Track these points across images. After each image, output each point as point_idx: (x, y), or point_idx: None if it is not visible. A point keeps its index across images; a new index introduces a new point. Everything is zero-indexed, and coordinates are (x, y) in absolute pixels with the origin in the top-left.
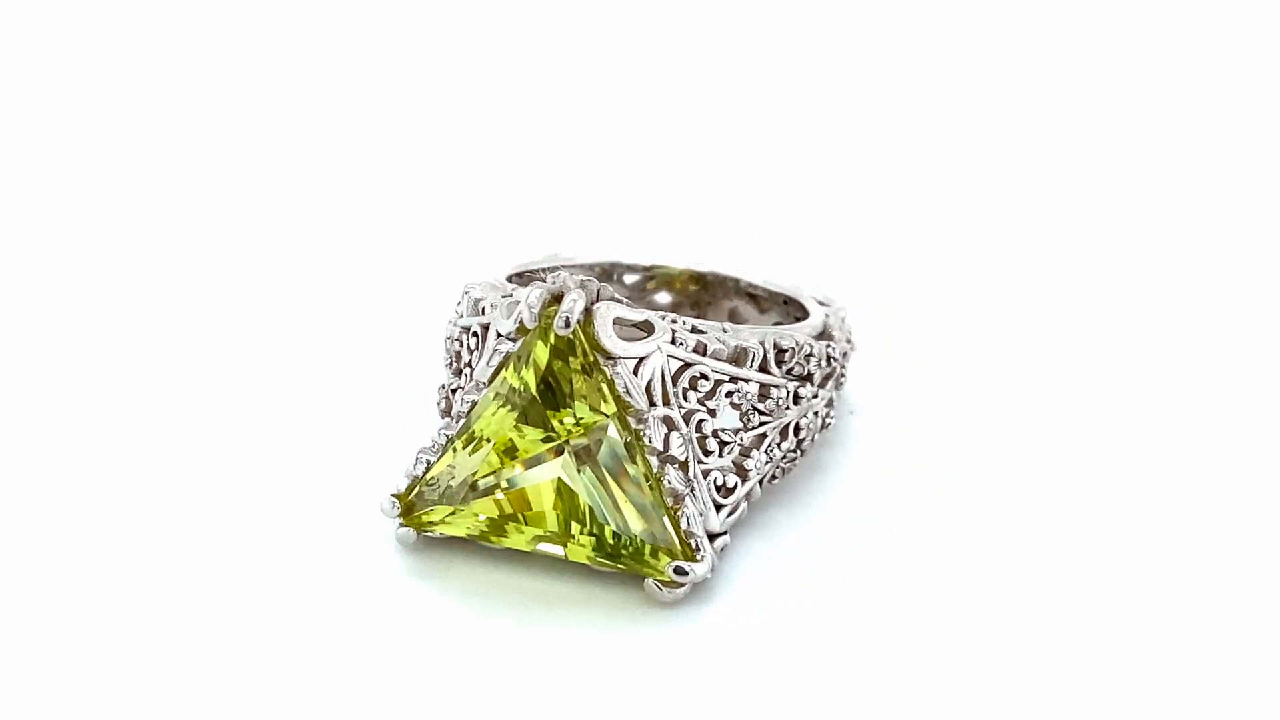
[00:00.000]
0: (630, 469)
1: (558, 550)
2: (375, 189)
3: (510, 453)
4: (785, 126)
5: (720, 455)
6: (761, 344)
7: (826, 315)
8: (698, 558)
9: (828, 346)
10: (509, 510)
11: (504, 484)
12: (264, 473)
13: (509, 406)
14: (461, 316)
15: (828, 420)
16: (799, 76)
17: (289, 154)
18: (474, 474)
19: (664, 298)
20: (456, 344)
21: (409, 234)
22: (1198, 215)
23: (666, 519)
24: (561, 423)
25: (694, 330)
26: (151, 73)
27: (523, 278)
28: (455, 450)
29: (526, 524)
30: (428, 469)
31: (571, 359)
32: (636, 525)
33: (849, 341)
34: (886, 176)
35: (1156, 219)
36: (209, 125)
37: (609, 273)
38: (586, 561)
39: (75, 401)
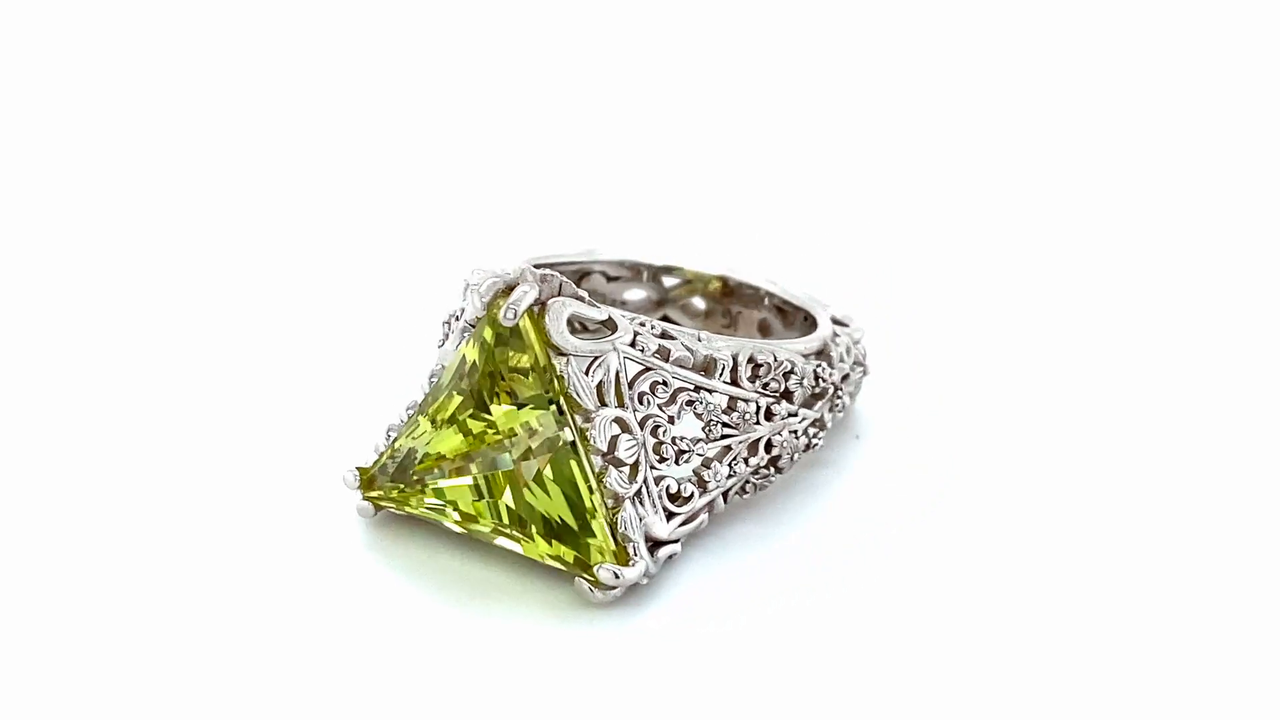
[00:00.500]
0: (567, 468)
1: (501, 542)
2: (432, 188)
3: (452, 441)
4: (806, 138)
5: (676, 463)
6: (734, 356)
7: (835, 335)
8: (630, 562)
9: (818, 366)
10: (446, 499)
11: (441, 472)
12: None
13: (457, 393)
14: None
15: (814, 441)
16: (831, 93)
17: (327, 149)
18: (418, 459)
19: (698, 303)
20: (445, 326)
21: (465, 231)
22: (1196, 218)
23: (603, 520)
24: (501, 414)
25: (662, 335)
26: (174, 64)
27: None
28: (414, 429)
29: (460, 513)
30: (391, 444)
31: (515, 351)
32: (569, 523)
33: (858, 365)
34: (891, 180)
35: (1156, 220)
36: (223, 117)
37: (639, 272)
38: (525, 553)
39: (71, 372)
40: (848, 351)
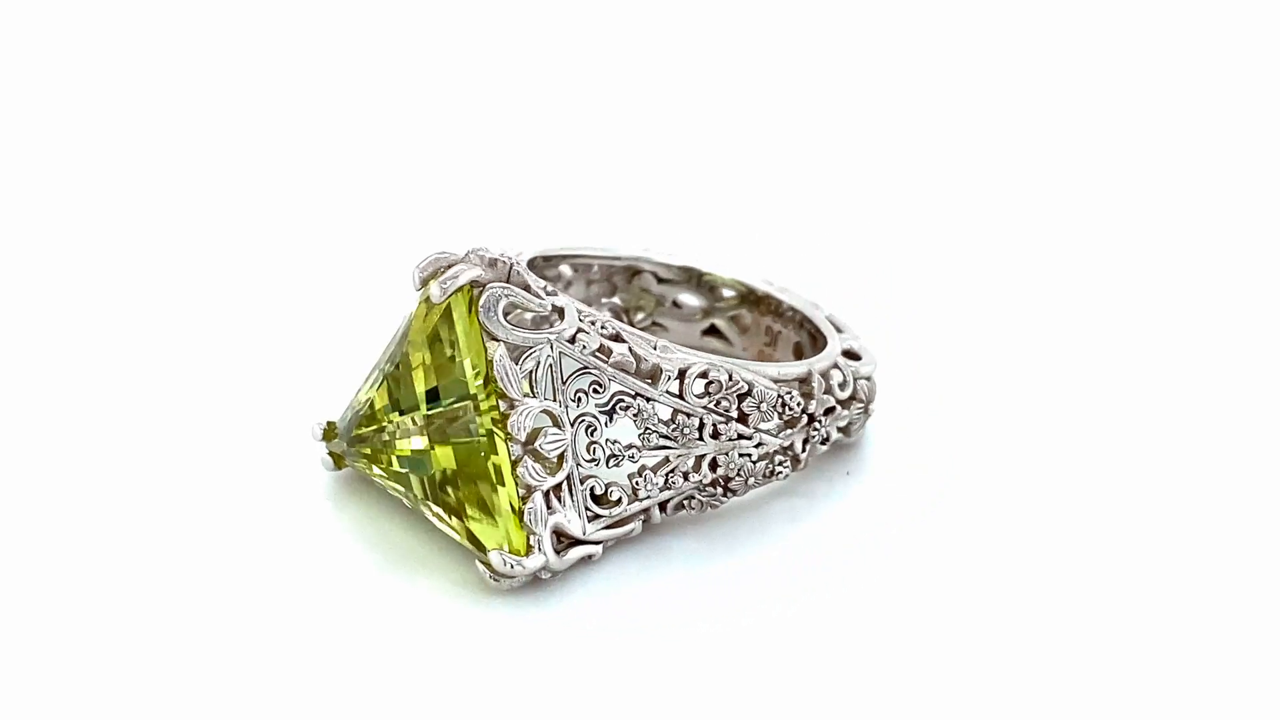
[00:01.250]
0: (478, 453)
1: (425, 513)
2: (446, 182)
3: (383, 411)
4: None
5: (606, 465)
6: (683, 369)
7: (831, 367)
8: (530, 553)
9: (785, 393)
10: (376, 468)
11: (373, 439)
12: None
13: (388, 361)
14: None
15: (778, 469)
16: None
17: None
18: (356, 423)
19: (746, 316)
20: None
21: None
22: (1195, 217)
23: (509, 509)
24: (422, 391)
25: (613, 336)
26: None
27: (549, 261)
28: (366, 389)
29: (390, 476)
30: (355, 395)
31: (446, 329)
32: (476, 506)
33: (857, 402)
34: (887, 177)
35: (1154, 221)
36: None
37: (691, 277)
38: (440, 527)
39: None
40: (842, 385)
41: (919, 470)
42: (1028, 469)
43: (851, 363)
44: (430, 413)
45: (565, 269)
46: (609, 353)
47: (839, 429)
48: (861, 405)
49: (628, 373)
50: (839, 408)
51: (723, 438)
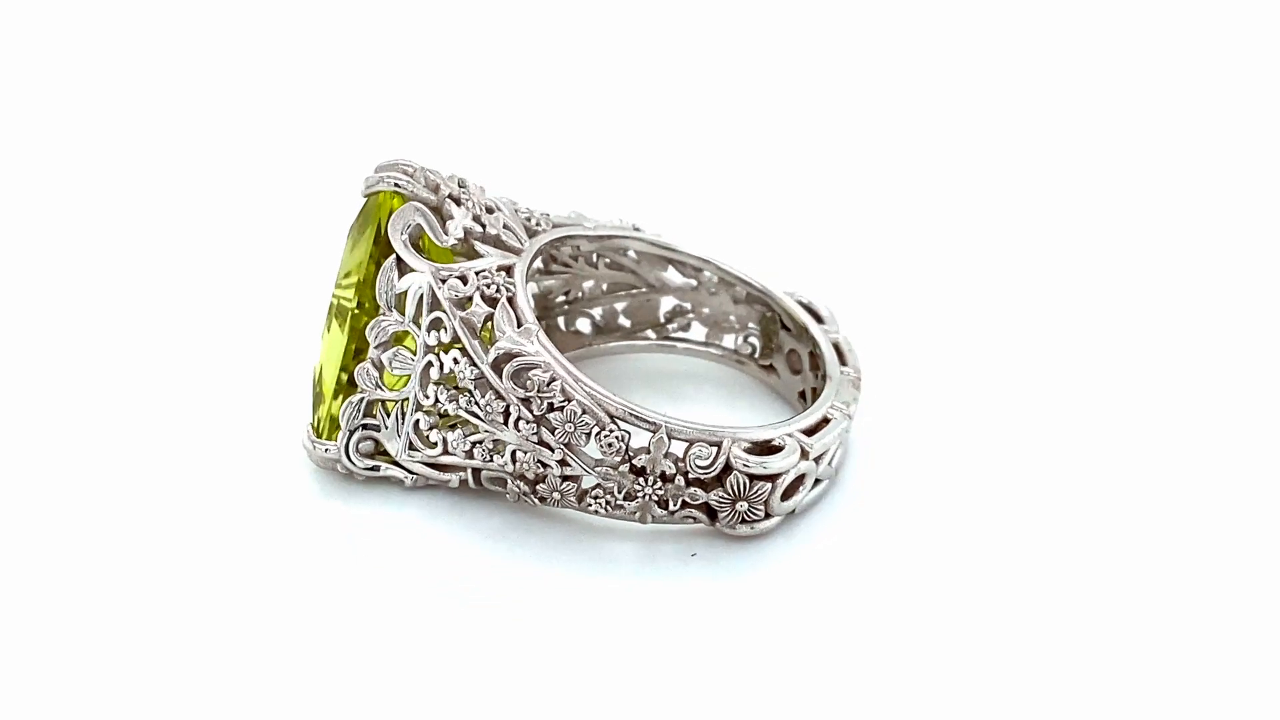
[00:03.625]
0: (337, 337)
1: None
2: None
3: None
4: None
5: (436, 403)
6: (511, 351)
7: (661, 437)
8: (327, 439)
9: (617, 437)
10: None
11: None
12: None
13: None
14: None
15: (593, 502)
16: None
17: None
18: None
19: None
20: None
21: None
22: (1193, 217)
23: (330, 398)
24: (340, 276)
25: (490, 299)
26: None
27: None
28: None
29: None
30: None
31: (361, 222)
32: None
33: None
34: (883, 177)
35: (1151, 221)
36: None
37: (673, 259)
38: None
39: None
40: (705, 469)
41: (917, 470)
42: (1023, 471)
43: (760, 458)
44: (333, 292)
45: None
46: (464, 305)
47: (739, 521)
48: (760, 506)
49: (469, 331)
50: (699, 490)
51: (523, 435)
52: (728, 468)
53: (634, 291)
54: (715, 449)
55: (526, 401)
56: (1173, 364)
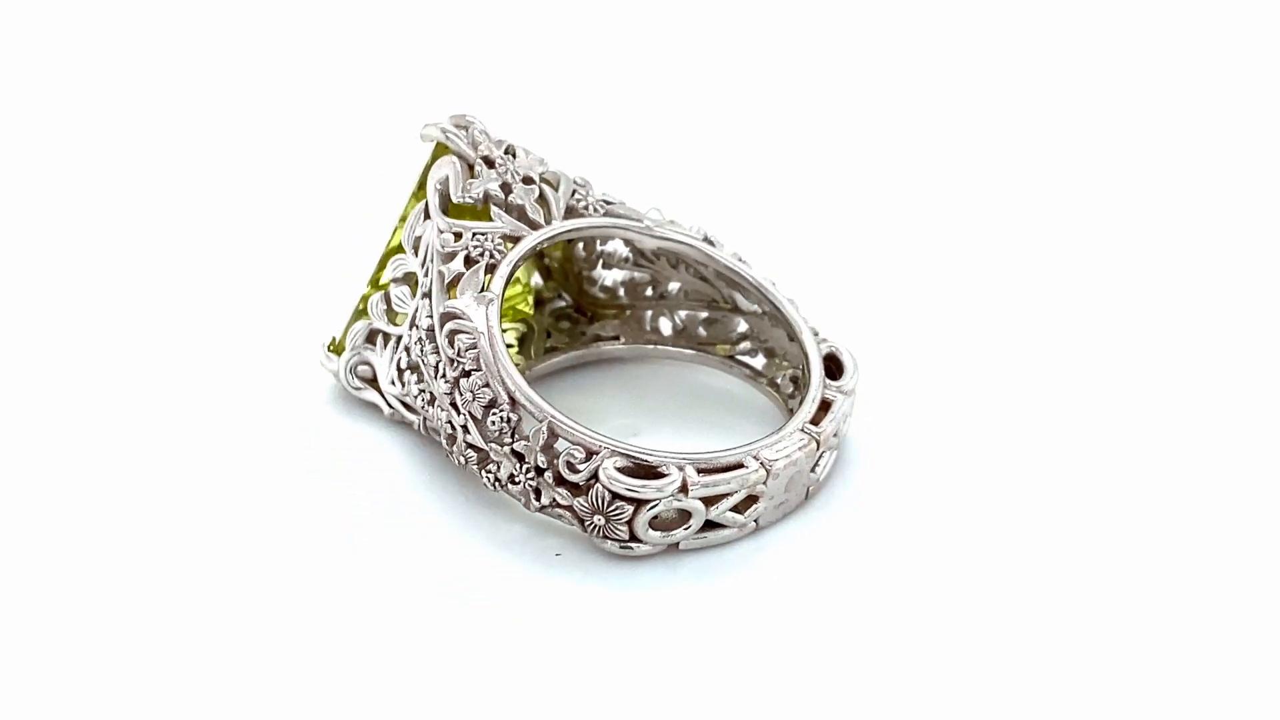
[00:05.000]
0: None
1: None
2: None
3: None
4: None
5: (416, 344)
6: (452, 314)
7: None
8: (339, 357)
9: (505, 419)
10: None
11: None
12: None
13: None
14: None
15: (485, 473)
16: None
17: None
18: None
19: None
20: None
21: None
22: (1187, 217)
23: (352, 320)
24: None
25: (468, 258)
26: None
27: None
28: None
29: None
30: None
31: (423, 169)
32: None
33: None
34: (879, 179)
35: (1146, 221)
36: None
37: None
38: None
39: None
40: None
41: (914, 472)
42: (1019, 472)
43: (629, 478)
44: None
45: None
46: (448, 259)
47: (601, 535)
48: (621, 527)
49: (440, 284)
50: (568, 492)
51: (444, 393)
52: (595, 478)
53: (715, 304)
54: (589, 457)
55: (452, 362)
56: (1167, 363)
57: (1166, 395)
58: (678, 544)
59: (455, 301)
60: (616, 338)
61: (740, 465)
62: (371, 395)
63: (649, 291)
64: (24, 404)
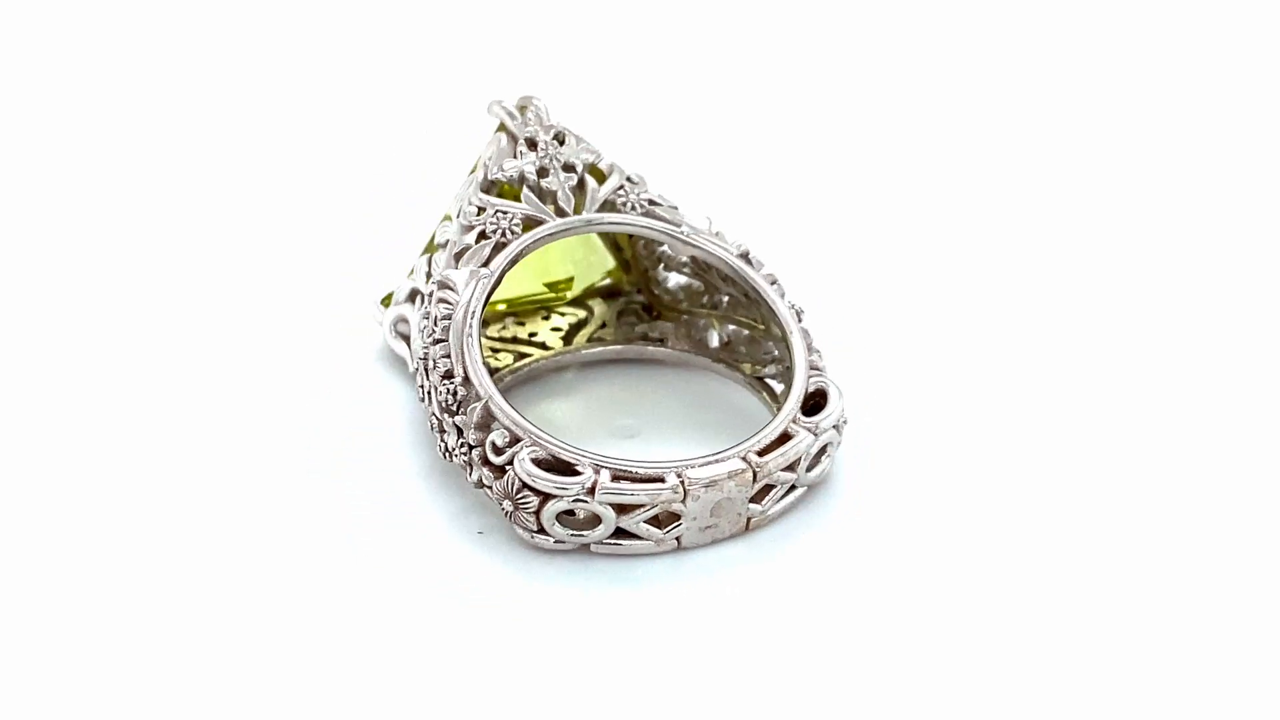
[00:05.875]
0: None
1: None
2: None
3: None
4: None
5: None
6: (444, 283)
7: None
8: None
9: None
10: None
11: None
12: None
13: None
14: None
15: (439, 441)
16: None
17: None
18: None
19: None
20: None
21: None
22: (1181, 217)
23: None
24: None
25: (482, 234)
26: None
27: None
28: None
29: None
30: None
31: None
32: None
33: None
34: (876, 179)
35: (1140, 221)
36: None
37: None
38: None
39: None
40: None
41: (909, 473)
42: (1014, 472)
43: (542, 471)
44: None
45: None
46: (466, 231)
47: (513, 521)
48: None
49: (451, 254)
50: (490, 473)
51: (417, 357)
52: (510, 464)
53: (754, 324)
54: (513, 443)
55: (431, 328)
56: (1162, 363)
57: (1161, 397)
58: (589, 545)
59: (451, 271)
60: (662, 341)
61: (659, 480)
62: (403, 350)
63: (705, 300)
64: (22, 399)
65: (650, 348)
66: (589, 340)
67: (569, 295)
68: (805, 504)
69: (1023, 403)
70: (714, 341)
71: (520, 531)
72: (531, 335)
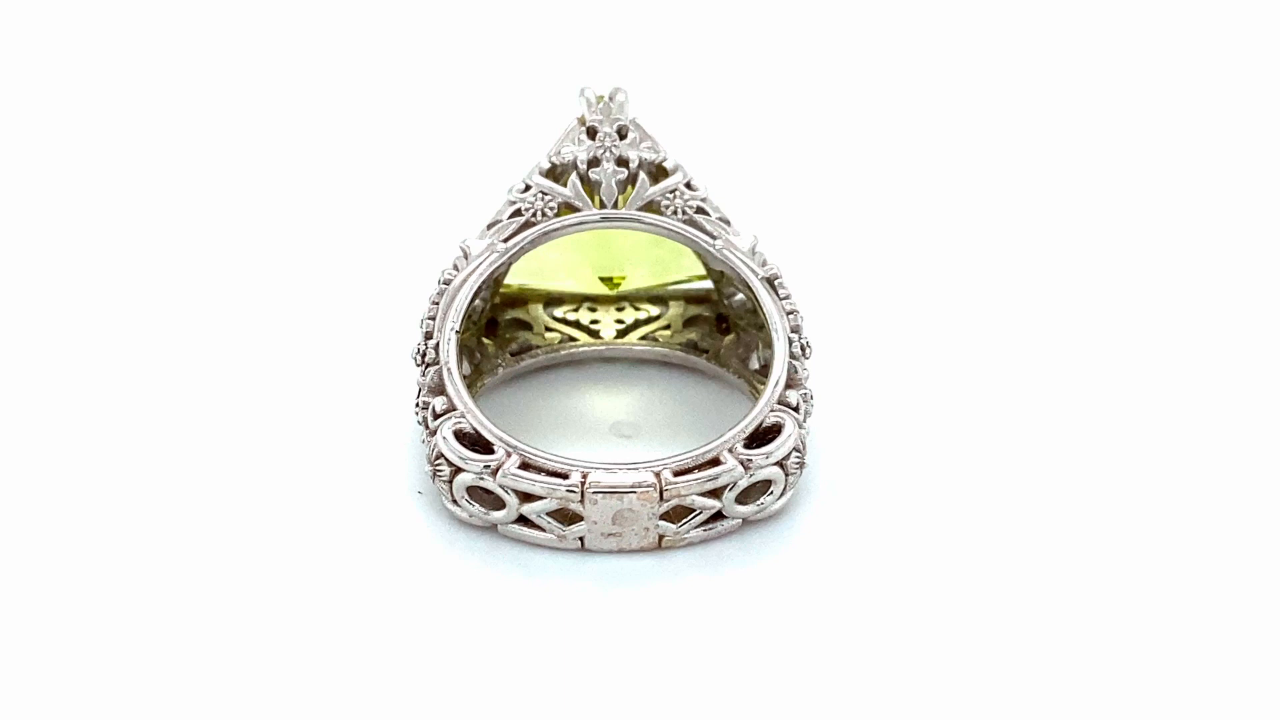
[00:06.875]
0: None
1: None
2: None
3: None
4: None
5: None
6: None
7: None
8: None
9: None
10: None
11: None
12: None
13: None
14: None
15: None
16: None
17: None
18: None
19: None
20: None
21: None
22: (1174, 217)
23: None
24: None
25: (520, 207)
26: None
27: None
28: None
29: None
30: None
31: None
32: None
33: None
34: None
35: (1133, 221)
36: None
37: None
38: None
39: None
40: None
41: (907, 476)
42: (1010, 473)
43: (455, 444)
44: None
45: None
46: (508, 205)
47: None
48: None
49: (490, 226)
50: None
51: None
52: (437, 433)
53: None
54: (447, 412)
55: (437, 288)
56: (1155, 369)
57: (1153, 403)
58: (495, 526)
59: (472, 240)
60: (705, 352)
61: (563, 475)
62: None
63: (757, 320)
64: (22, 396)
65: (693, 356)
66: (642, 338)
67: (615, 291)
68: (802, 502)
69: (1022, 405)
70: (754, 364)
71: (444, 500)
72: (593, 322)
